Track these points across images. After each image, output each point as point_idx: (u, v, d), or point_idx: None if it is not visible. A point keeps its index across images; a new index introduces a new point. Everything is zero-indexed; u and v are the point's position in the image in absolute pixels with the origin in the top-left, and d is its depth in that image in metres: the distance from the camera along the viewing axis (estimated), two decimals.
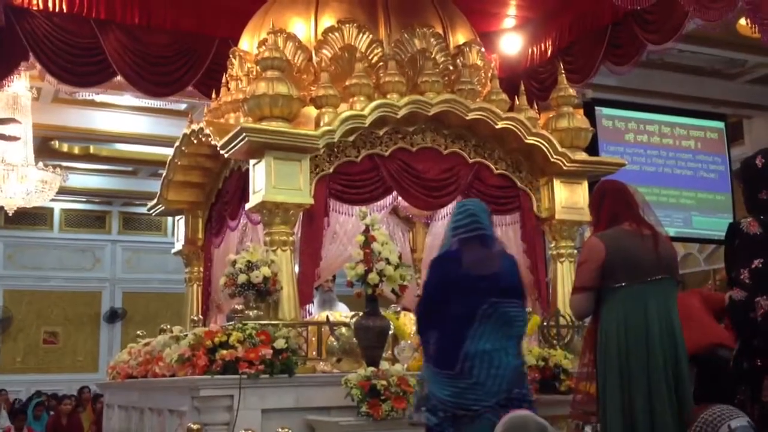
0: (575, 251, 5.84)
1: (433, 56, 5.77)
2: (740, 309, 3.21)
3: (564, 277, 5.71)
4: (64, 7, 6.85)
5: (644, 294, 3.43)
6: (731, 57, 10.07)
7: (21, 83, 8.95)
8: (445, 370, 3.32)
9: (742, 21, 7.48)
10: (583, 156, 5.89)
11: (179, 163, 6.17)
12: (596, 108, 8.97)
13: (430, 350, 3.46)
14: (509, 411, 2.99)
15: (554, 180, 5.80)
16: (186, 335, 4.83)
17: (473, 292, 3.34)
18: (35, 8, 6.75)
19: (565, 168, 5.75)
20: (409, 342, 4.80)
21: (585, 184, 5.93)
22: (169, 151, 6.27)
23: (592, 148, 6.88)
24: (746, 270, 3.21)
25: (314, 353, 4.88)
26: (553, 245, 5.86)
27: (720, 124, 9.85)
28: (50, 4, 6.77)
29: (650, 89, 10.09)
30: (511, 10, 8.00)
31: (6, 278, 16.11)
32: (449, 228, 3.63)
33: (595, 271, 3.48)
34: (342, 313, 5.83)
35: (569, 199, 5.82)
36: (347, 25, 5.70)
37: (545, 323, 5.30)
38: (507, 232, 5.84)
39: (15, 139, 9.07)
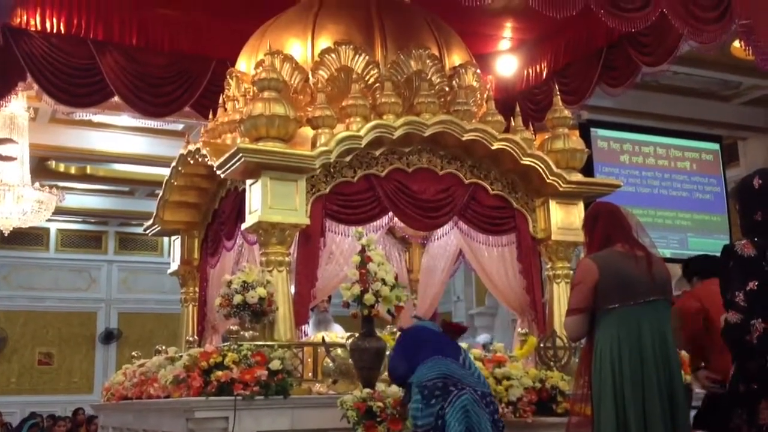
0: (571, 272, 5.83)
1: (429, 77, 5.80)
2: (736, 332, 3.20)
3: (560, 298, 5.70)
4: (62, 28, 6.89)
5: (638, 315, 3.45)
6: (726, 79, 10.14)
7: (18, 103, 8.97)
8: (449, 357, 3.72)
9: (737, 43, 7.53)
10: (578, 177, 5.91)
11: (175, 183, 6.17)
12: (591, 129, 9.02)
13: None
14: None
15: (550, 201, 5.81)
16: (181, 356, 4.82)
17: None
18: (33, 29, 6.79)
19: (560, 189, 5.76)
20: None
21: (581, 205, 5.94)
22: (166, 172, 6.27)
23: (588, 170, 6.91)
24: (741, 292, 3.20)
25: (310, 374, 4.86)
26: (549, 266, 5.86)
27: (715, 146, 9.90)
28: (48, 25, 6.81)
29: (645, 111, 10.15)
30: (507, 32, 8.06)
31: (1, 299, 16.04)
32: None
33: (588, 293, 3.51)
34: (337, 334, 5.81)
35: (565, 219, 5.83)
36: (344, 47, 5.73)
37: (542, 344, 5.29)
38: (503, 252, 5.84)
39: (11, 159, 9.09)
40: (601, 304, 3.49)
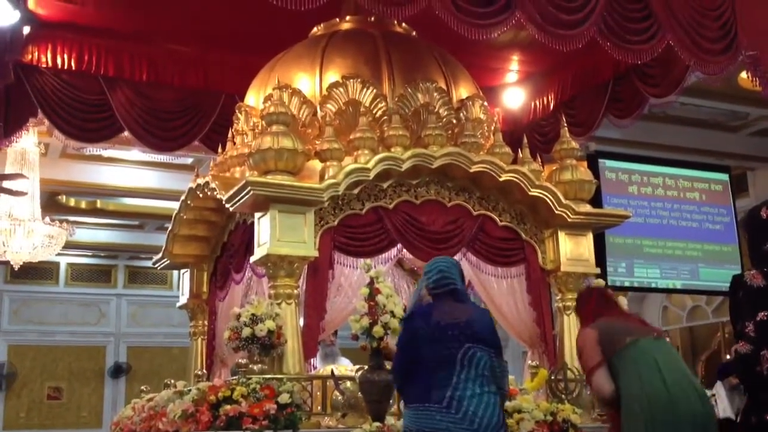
0: None
1: (436, 110, 5.83)
2: (746, 363, 3.18)
3: (571, 329, 5.66)
4: (72, 64, 6.97)
5: (651, 349, 3.52)
6: (733, 110, 10.16)
7: (29, 139, 9.04)
8: (432, 403, 3.30)
9: (743, 74, 7.57)
10: (587, 208, 5.91)
11: (185, 216, 6.20)
12: (600, 160, 9.01)
13: (410, 396, 3.48)
14: None
15: (559, 232, 5.81)
16: (190, 390, 4.79)
17: (446, 339, 3.39)
18: (44, 65, 6.87)
19: (569, 220, 5.76)
20: None
21: (590, 236, 5.94)
22: (175, 205, 6.30)
23: (596, 201, 6.90)
24: (751, 323, 3.18)
25: (319, 408, 4.83)
26: (559, 297, 5.84)
27: (724, 176, 9.87)
28: (59, 62, 6.89)
29: (653, 142, 10.16)
30: (513, 65, 8.11)
31: (11, 333, 16.05)
32: (419, 286, 3.73)
33: (595, 348, 3.66)
34: (345, 367, 5.78)
35: (574, 251, 5.82)
36: (351, 81, 5.78)
37: (553, 377, 5.25)
38: (512, 284, 5.83)
39: (22, 194, 9.07)
40: (613, 349, 3.62)
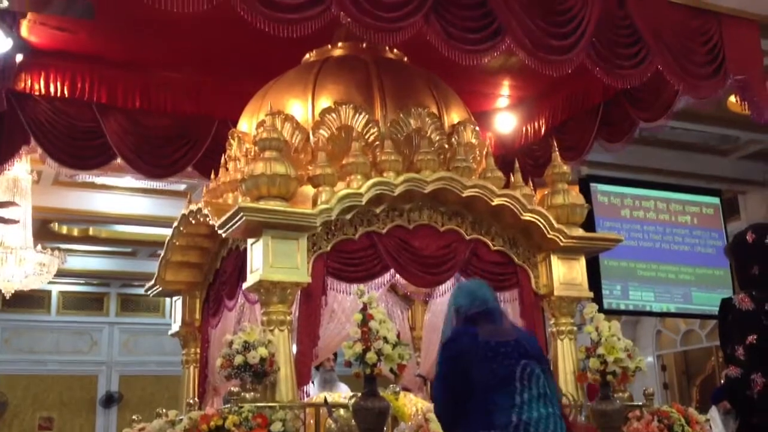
0: (575, 328, 5.80)
1: (428, 135, 5.85)
2: (737, 387, 3.17)
3: (565, 354, 5.66)
4: (66, 92, 6.96)
5: None
6: (723, 133, 10.23)
7: (22, 166, 9.03)
8: (496, 430, 3.00)
9: (733, 98, 7.63)
10: (579, 232, 5.92)
11: (177, 243, 6.18)
12: (591, 184, 9.06)
13: (466, 427, 3.14)
14: None
15: (552, 256, 5.81)
16: (182, 419, 4.75)
17: (500, 357, 3.11)
18: (37, 93, 6.86)
19: (562, 244, 5.77)
20: (409, 424, 4.73)
21: (583, 260, 5.94)
22: (168, 232, 6.29)
23: (589, 224, 6.92)
24: (740, 347, 3.19)
25: None
26: (552, 322, 5.83)
27: (715, 200, 9.93)
28: (52, 89, 6.89)
29: (645, 165, 10.21)
30: (504, 90, 8.16)
31: (2, 362, 15.92)
32: (451, 310, 3.49)
33: None
34: (342, 393, 5.74)
35: (567, 275, 5.82)
36: (344, 106, 5.80)
37: None
38: (506, 309, 5.78)
39: (14, 222, 9.08)
40: None
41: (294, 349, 5.10)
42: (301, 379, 5.04)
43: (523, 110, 8.27)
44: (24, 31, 6.48)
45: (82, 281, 16.35)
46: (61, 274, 11.08)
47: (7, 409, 15.65)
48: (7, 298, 10.39)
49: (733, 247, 3.54)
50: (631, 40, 6.12)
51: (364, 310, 4.50)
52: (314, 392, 5.86)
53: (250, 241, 5.13)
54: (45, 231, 12.30)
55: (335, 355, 6.28)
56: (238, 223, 4.99)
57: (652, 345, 12.69)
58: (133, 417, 6.27)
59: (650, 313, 9.99)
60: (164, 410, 5.62)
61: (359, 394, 4.47)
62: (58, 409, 16.07)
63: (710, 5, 6.50)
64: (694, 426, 5.19)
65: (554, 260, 5.80)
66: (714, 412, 7.36)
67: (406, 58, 6.61)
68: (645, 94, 7.08)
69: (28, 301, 15.39)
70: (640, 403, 5.48)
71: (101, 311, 16.91)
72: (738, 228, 9.08)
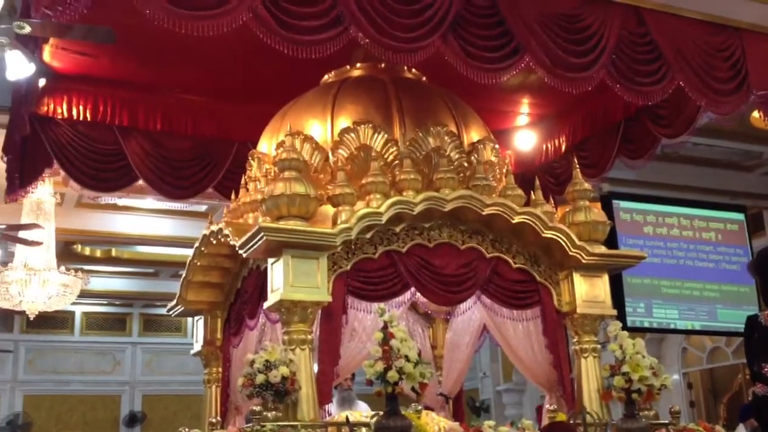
0: (599, 346, 5.74)
1: (447, 154, 5.85)
2: (764, 404, 3.13)
3: (589, 372, 5.59)
4: (88, 115, 7.06)
5: None
6: (747, 149, 10.15)
7: (45, 189, 9.13)
8: None
9: (756, 114, 7.57)
10: (602, 249, 5.87)
11: (198, 263, 6.20)
12: (614, 201, 9.00)
13: None
14: None
15: (574, 273, 5.75)
16: None
17: None
18: (59, 117, 6.95)
19: (584, 261, 5.72)
20: None
21: (605, 278, 5.88)
22: (189, 252, 6.32)
23: (611, 242, 6.87)
24: (767, 364, 3.14)
25: None
26: (575, 340, 5.77)
27: (740, 216, 9.83)
28: (74, 113, 6.98)
29: (667, 182, 10.15)
30: (524, 108, 8.15)
31: (26, 383, 16.07)
32: None
33: None
34: (362, 412, 5.72)
35: (590, 292, 5.76)
36: (363, 126, 5.81)
37: (571, 421, 5.17)
38: (528, 327, 5.78)
39: (38, 244, 9.19)
40: None
41: (315, 368, 5.09)
42: (323, 398, 5.02)
43: (543, 128, 8.26)
44: (46, 55, 6.58)
45: (105, 302, 16.48)
46: (84, 295, 11.17)
47: (31, 429, 15.74)
48: (31, 319, 10.47)
49: (757, 263, 3.51)
50: (651, 57, 6.09)
51: (385, 328, 4.48)
52: (334, 411, 5.84)
53: (270, 260, 5.14)
54: (68, 252, 12.42)
55: (353, 374, 6.26)
56: (259, 243, 5.00)
57: (677, 363, 12.53)
58: None
59: (675, 331, 9.89)
60: (187, 429, 5.62)
61: (381, 413, 4.45)
62: (82, 429, 16.16)
63: (732, 20, 6.46)
64: None
65: (576, 278, 5.75)
66: (741, 430, 7.25)
67: (424, 78, 6.63)
68: (667, 111, 7.05)
69: (51, 322, 15.55)
70: (666, 422, 5.41)
71: (124, 331, 17.03)
72: (763, 244, 9.01)
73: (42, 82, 6.78)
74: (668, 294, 9.03)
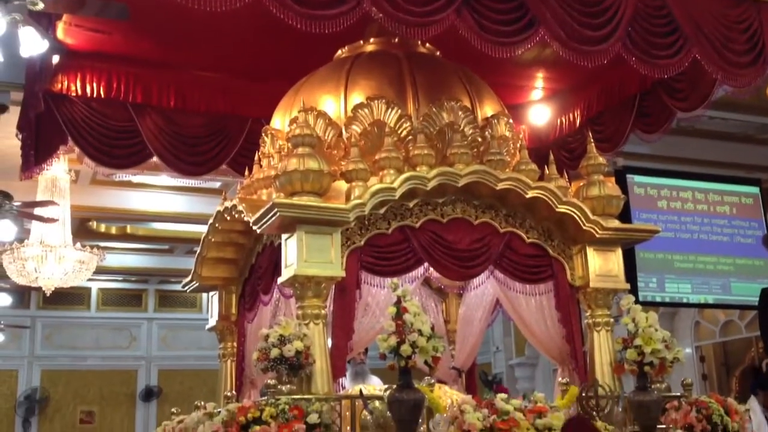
0: (612, 320, 5.75)
1: (461, 129, 5.84)
2: None
3: (601, 346, 5.60)
4: (101, 92, 7.08)
5: None
6: (763, 122, 10.06)
7: (60, 166, 9.19)
8: None
9: None
10: (615, 224, 5.86)
11: (213, 239, 6.24)
12: (628, 176, 8.98)
13: None
14: None
15: (587, 248, 5.75)
16: (219, 412, 4.81)
17: None
18: (73, 94, 6.98)
19: (597, 236, 5.71)
20: (444, 415, 4.72)
21: (619, 252, 5.87)
22: (204, 229, 6.36)
23: (625, 216, 6.85)
24: None
25: (348, 428, 4.82)
26: (588, 314, 5.78)
27: (755, 189, 9.78)
28: (88, 90, 7.00)
29: (682, 156, 10.08)
30: (538, 82, 8.11)
31: (43, 358, 16.25)
32: None
33: None
34: (375, 386, 5.77)
35: (603, 267, 5.76)
36: (376, 102, 5.80)
37: (583, 394, 5.19)
38: (541, 301, 5.79)
39: (53, 220, 9.28)
40: None
41: (329, 342, 5.13)
42: (337, 371, 5.06)
43: (558, 102, 8.21)
44: (60, 32, 6.59)
45: (120, 278, 16.61)
46: (100, 271, 11.27)
47: (49, 404, 15.96)
48: (48, 295, 10.58)
49: None
50: (668, 29, 6.03)
51: (398, 303, 4.50)
52: (347, 385, 5.89)
53: (284, 236, 5.16)
54: (84, 229, 12.51)
55: (366, 349, 6.30)
56: (273, 219, 5.03)
57: (690, 336, 12.52)
58: (173, 410, 6.36)
59: (687, 305, 9.88)
60: (202, 403, 5.68)
61: (394, 387, 4.49)
62: (99, 404, 16.36)
63: None
64: (734, 416, 5.11)
65: (590, 252, 5.74)
66: (753, 403, 7.25)
67: (438, 53, 6.60)
68: (682, 84, 6.99)
69: (68, 298, 15.69)
70: (679, 394, 5.43)
71: (140, 307, 17.18)
72: None
73: (56, 59, 6.80)
74: (681, 268, 9.01)
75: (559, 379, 5.66)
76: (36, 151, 6.90)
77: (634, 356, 4.96)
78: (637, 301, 5.27)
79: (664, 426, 4.98)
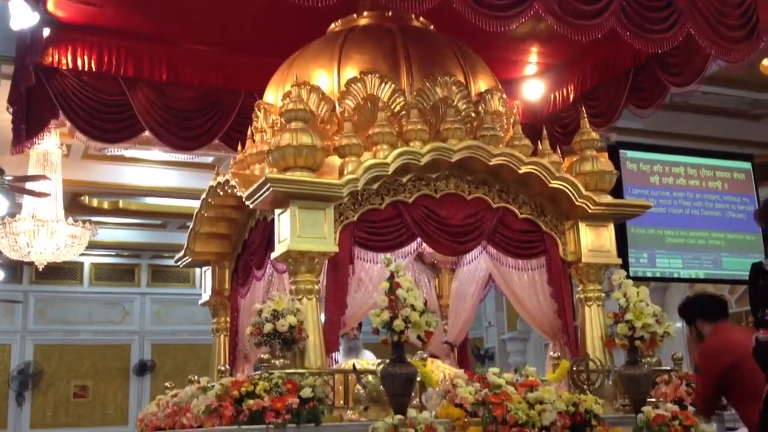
0: (603, 294, 5.78)
1: (455, 104, 5.82)
2: (767, 350, 3.16)
3: (592, 320, 5.65)
4: (93, 66, 7.02)
5: None
6: (756, 98, 10.06)
7: (51, 140, 9.15)
8: None
9: (766, 62, 7.50)
10: (608, 199, 5.88)
11: (205, 214, 6.24)
12: (620, 151, 8.95)
13: None
14: None
15: (580, 223, 5.77)
16: (213, 386, 4.83)
17: None
18: (64, 67, 6.92)
19: (590, 211, 5.73)
20: (436, 389, 4.76)
21: (611, 227, 5.90)
22: (196, 204, 6.35)
23: (617, 192, 6.87)
24: None
25: (341, 402, 4.85)
26: (580, 289, 5.81)
27: (747, 165, 9.77)
28: (79, 63, 6.94)
29: (675, 131, 10.09)
30: (532, 57, 8.07)
31: (36, 333, 16.26)
32: None
33: None
34: (368, 360, 5.79)
35: (595, 242, 5.79)
36: (370, 76, 5.78)
37: (575, 368, 5.23)
38: (533, 276, 5.81)
39: (45, 195, 9.25)
40: None
41: (322, 317, 5.15)
42: (330, 346, 5.09)
43: (552, 77, 8.19)
44: (50, 5, 6.52)
45: (113, 253, 16.59)
46: (92, 246, 11.27)
47: (42, 378, 16.00)
48: (40, 269, 10.57)
49: (763, 212, 3.50)
50: (662, 4, 6.01)
51: (391, 278, 4.52)
52: (341, 360, 5.92)
53: (277, 211, 5.16)
54: (76, 204, 12.47)
55: (359, 324, 6.33)
56: (266, 194, 5.02)
57: None
58: (166, 384, 6.38)
59: (678, 280, 9.92)
60: (196, 377, 5.70)
61: (387, 361, 4.51)
62: (93, 378, 16.41)
63: None
64: None
65: (582, 227, 5.76)
66: None
67: (432, 27, 6.56)
68: (677, 59, 6.98)
69: (60, 272, 15.68)
70: (669, 368, 5.47)
71: (133, 282, 17.18)
72: None
73: (46, 32, 6.73)
74: (672, 243, 9.04)
75: (551, 353, 5.70)
76: (27, 125, 6.86)
77: (624, 331, 4.99)
78: (628, 277, 5.30)
79: (654, 399, 5.03)
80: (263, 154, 5.68)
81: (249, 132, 6.34)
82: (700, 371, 4.85)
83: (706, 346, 4.85)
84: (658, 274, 9.09)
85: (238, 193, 5.42)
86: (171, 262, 8.00)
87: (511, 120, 6.25)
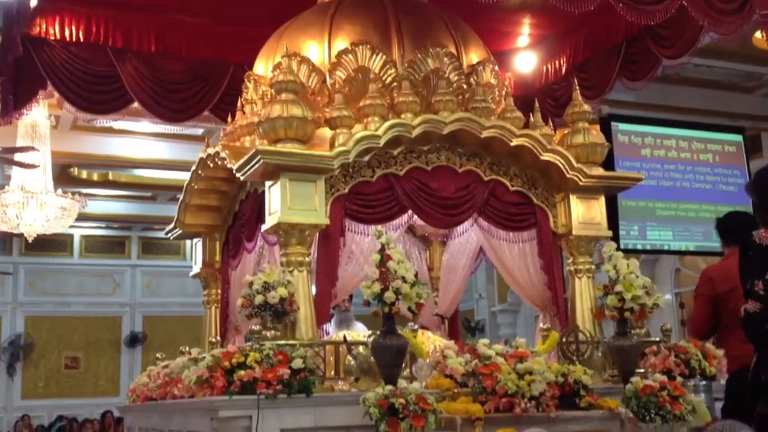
0: (593, 267, 5.80)
1: (446, 75, 5.79)
2: (756, 321, 3.19)
3: (582, 292, 5.67)
4: (81, 36, 6.95)
5: None
6: (748, 70, 10.06)
7: (40, 111, 9.08)
8: None
9: (758, 34, 7.47)
10: (599, 171, 5.87)
11: (196, 186, 6.21)
12: (612, 123, 8.96)
13: None
14: None
15: (571, 196, 5.77)
16: (204, 357, 4.84)
17: None
18: (52, 38, 6.85)
19: (581, 184, 5.73)
20: (427, 360, 4.78)
21: (602, 200, 5.90)
22: (187, 176, 6.32)
23: (609, 164, 6.87)
24: (760, 281, 3.19)
25: (332, 373, 4.87)
26: (570, 261, 5.83)
27: (738, 137, 9.80)
28: (67, 34, 6.87)
29: (667, 104, 10.10)
30: (525, 29, 8.03)
31: (27, 305, 16.26)
32: None
33: None
34: (360, 332, 5.82)
35: (586, 214, 5.79)
36: (360, 47, 5.73)
37: (564, 339, 5.27)
38: (524, 248, 5.82)
39: (33, 166, 9.19)
40: None
41: (313, 289, 5.15)
42: (321, 317, 5.10)
43: (544, 49, 8.15)
44: None
45: (103, 225, 16.56)
46: (82, 218, 11.24)
47: (33, 349, 16.03)
48: (30, 241, 10.54)
49: (754, 184, 3.51)
50: None
51: (382, 250, 4.51)
52: (332, 331, 5.93)
53: (267, 183, 5.14)
54: (65, 176, 12.41)
55: (351, 295, 6.34)
56: (256, 166, 5.00)
57: (670, 283, 12.69)
58: (157, 355, 6.40)
59: (668, 252, 9.99)
60: (187, 348, 5.72)
61: (378, 332, 4.53)
62: (84, 349, 16.45)
63: None
64: (711, 361, 5.20)
65: (573, 200, 5.76)
66: None
67: None
68: (669, 31, 6.95)
69: (50, 244, 15.65)
70: (658, 339, 5.52)
71: (123, 254, 17.16)
72: (760, 165, 9.01)
73: (34, 2, 6.65)
74: (663, 216, 9.08)
75: (541, 325, 5.74)
76: (15, 95, 6.80)
77: (614, 302, 5.02)
78: (618, 249, 5.31)
79: (642, 370, 5.07)
80: (253, 126, 5.65)
81: (239, 104, 6.30)
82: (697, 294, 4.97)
83: (707, 269, 4.98)
84: (648, 247, 9.14)
85: (229, 165, 5.39)
86: (161, 234, 7.99)
87: (503, 92, 6.22)
